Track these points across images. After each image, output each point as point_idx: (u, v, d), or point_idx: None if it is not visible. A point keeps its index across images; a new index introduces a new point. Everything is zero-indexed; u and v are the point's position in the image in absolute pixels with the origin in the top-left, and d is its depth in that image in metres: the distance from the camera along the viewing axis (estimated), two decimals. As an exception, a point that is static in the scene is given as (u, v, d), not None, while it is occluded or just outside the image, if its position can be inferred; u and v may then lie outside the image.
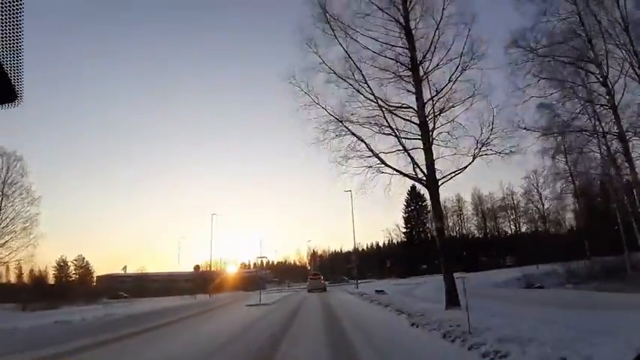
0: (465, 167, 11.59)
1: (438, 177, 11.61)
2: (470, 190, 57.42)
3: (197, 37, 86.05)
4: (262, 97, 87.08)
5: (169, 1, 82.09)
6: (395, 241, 63.24)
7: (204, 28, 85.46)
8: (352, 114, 12.21)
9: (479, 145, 11.54)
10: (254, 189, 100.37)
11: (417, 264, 53.82)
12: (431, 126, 11.98)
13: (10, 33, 0.92)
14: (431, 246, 57.69)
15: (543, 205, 50.72)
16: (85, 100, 79.73)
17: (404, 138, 12.14)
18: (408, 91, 12.38)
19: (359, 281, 40.81)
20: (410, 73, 12.16)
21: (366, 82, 11.96)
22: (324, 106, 12.37)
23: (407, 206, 59.03)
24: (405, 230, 59.76)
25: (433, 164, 11.58)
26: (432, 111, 12.07)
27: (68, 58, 78.31)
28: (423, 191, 55.23)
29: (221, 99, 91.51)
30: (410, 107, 12.16)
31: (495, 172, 57.82)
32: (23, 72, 0.96)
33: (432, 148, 11.77)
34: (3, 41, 0.93)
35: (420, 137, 11.92)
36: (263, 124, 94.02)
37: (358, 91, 12.15)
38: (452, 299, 10.70)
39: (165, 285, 56.48)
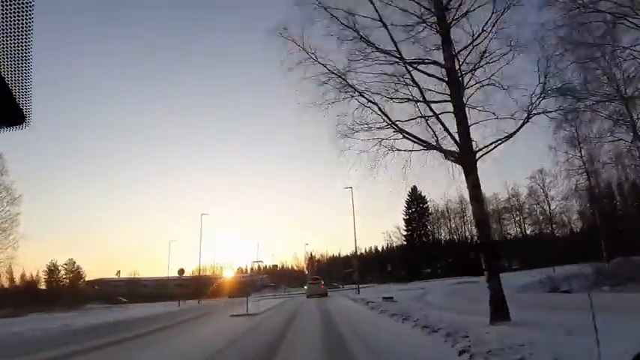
0: (515, 132, 8.64)
1: (474, 148, 8.64)
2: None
3: (196, 37, 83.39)
4: (260, 99, 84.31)
5: (170, 1, 79.32)
6: (395, 244, 60.02)
7: (204, 29, 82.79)
8: (359, 66, 9.24)
9: (534, 101, 8.62)
10: (252, 193, 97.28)
11: (418, 268, 50.63)
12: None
13: (18, 57, 0.92)
14: (432, 249, 54.66)
15: (550, 205, 47.95)
16: (82, 99, 76.77)
17: (429, 102, 9.18)
18: (430, 49, 9.47)
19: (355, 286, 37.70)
20: (435, 20, 9.25)
21: (381, 21, 8.96)
22: (322, 62, 9.44)
23: (408, 208, 56.03)
24: (405, 233, 56.62)
25: (468, 131, 8.63)
26: (460, 68, 9.17)
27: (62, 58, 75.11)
28: (425, 193, 52.82)
29: (219, 101, 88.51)
30: (435, 62, 9.21)
31: (501, 171, 55.13)
32: (31, 95, 0.96)
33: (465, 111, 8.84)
34: (11, 65, 0.93)
35: (449, 98, 8.98)
36: (262, 126, 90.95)
37: (367, 40, 9.18)
38: (499, 310, 7.69)
39: (157, 290, 53.42)
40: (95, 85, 76.57)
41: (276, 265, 67.06)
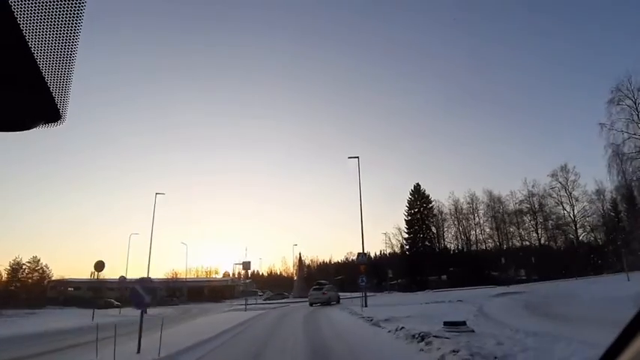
0: None
1: None
2: (481, 189, 46.58)
3: (196, 39, 76.16)
4: (254, 102, 77.30)
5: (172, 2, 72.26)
6: (395, 248, 51.00)
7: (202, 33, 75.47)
8: None
9: None
10: (247, 196, 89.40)
11: (425, 275, 41.72)
12: None
13: (63, 53, 0.87)
14: (438, 255, 45.70)
15: (574, 208, 40.02)
16: (81, 100, 68.70)
17: None
18: None
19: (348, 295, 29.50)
20: None
21: None
22: None
23: (410, 208, 47.54)
24: (407, 236, 47.73)
25: None
26: None
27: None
28: (428, 191, 44.27)
29: (211, 102, 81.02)
30: None
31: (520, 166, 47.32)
32: (70, 93, 0.91)
33: None
34: (55, 61, 0.87)
35: None
36: (258, 131, 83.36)
37: None
38: None
39: (123, 293, 44.74)
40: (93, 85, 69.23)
41: (249, 262, 59.09)
